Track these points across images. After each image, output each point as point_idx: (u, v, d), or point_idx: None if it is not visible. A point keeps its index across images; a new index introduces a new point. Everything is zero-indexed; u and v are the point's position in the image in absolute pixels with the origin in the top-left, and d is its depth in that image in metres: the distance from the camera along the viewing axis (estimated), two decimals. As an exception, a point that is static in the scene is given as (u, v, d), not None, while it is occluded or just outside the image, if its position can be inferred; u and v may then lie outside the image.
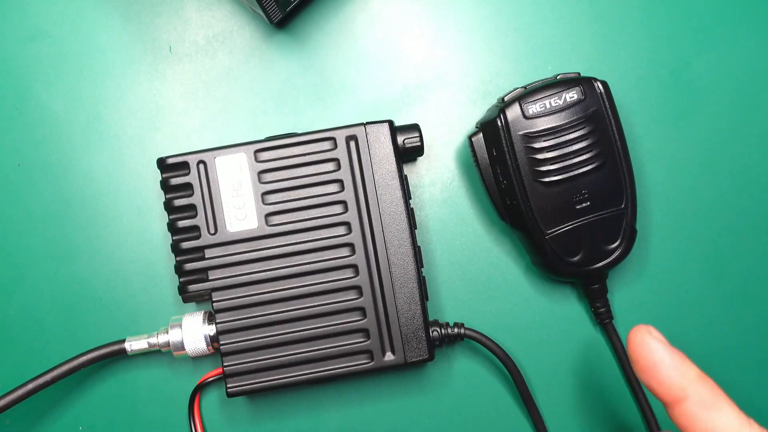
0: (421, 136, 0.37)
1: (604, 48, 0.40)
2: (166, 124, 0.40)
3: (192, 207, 0.36)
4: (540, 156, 0.35)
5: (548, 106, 0.35)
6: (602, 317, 0.38)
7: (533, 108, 0.35)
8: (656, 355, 0.27)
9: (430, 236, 0.39)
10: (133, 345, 0.36)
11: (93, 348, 0.36)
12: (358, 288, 0.35)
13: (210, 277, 0.35)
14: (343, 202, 0.36)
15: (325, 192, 0.36)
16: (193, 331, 0.36)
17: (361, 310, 0.35)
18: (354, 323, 0.35)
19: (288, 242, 0.35)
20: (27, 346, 0.39)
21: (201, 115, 0.40)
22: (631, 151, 0.36)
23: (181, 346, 0.36)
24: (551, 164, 0.35)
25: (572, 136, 0.35)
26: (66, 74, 0.40)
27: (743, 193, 0.40)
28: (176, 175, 0.36)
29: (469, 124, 0.40)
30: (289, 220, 0.35)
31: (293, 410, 0.39)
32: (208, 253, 0.35)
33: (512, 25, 0.40)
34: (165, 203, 0.36)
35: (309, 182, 0.36)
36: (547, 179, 0.35)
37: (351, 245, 0.35)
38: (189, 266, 0.35)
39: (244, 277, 0.35)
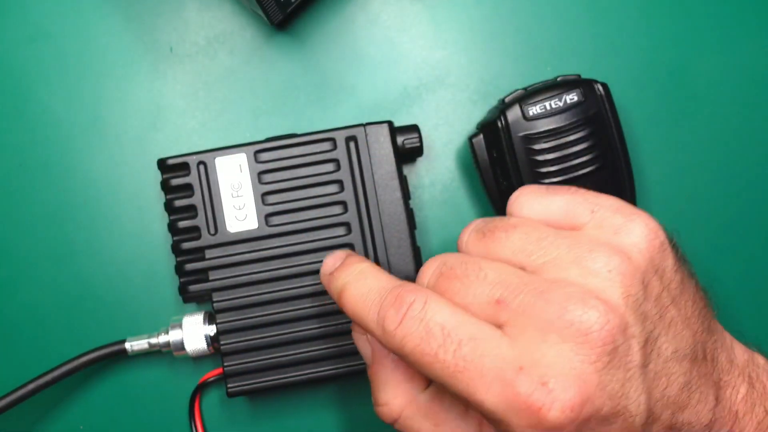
0: (420, 137, 0.37)
1: (603, 49, 0.40)
2: (167, 124, 0.40)
3: (192, 207, 0.36)
4: (540, 157, 0.35)
5: (549, 107, 0.35)
6: (602, 318, 0.38)
7: (534, 109, 0.35)
8: None
9: (430, 237, 0.39)
10: (134, 345, 0.36)
11: (93, 348, 0.36)
12: (358, 288, 0.35)
13: (210, 278, 0.35)
14: (343, 203, 0.36)
15: (324, 192, 0.36)
16: (193, 331, 0.36)
17: (361, 310, 0.35)
18: (354, 324, 0.35)
19: (288, 243, 0.35)
20: (27, 346, 0.39)
21: (201, 115, 0.40)
22: (631, 153, 0.36)
23: (181, 346, 0.36)
24: (551, 165, 0.35)
25: (572, 137, 0.35)
26: (67, 74, 0.40)
27: (743, 193, 0.40)
28: (176, 176, 0.36)
29: (469, 124, 0.40)
30: (289, 221, 0.36)
31: (293, 410, 0.39)
32: (209, 253, 0.35)
33: (512, 25, 0.40)
34: (165, 204, 0.36)
35: (309, 183, 0.36)
36: (547, 180, 0.35)
37: (351, 246, 0.35)
38: (189, 266, 0.35)
39: (244, 277, 0.35)
